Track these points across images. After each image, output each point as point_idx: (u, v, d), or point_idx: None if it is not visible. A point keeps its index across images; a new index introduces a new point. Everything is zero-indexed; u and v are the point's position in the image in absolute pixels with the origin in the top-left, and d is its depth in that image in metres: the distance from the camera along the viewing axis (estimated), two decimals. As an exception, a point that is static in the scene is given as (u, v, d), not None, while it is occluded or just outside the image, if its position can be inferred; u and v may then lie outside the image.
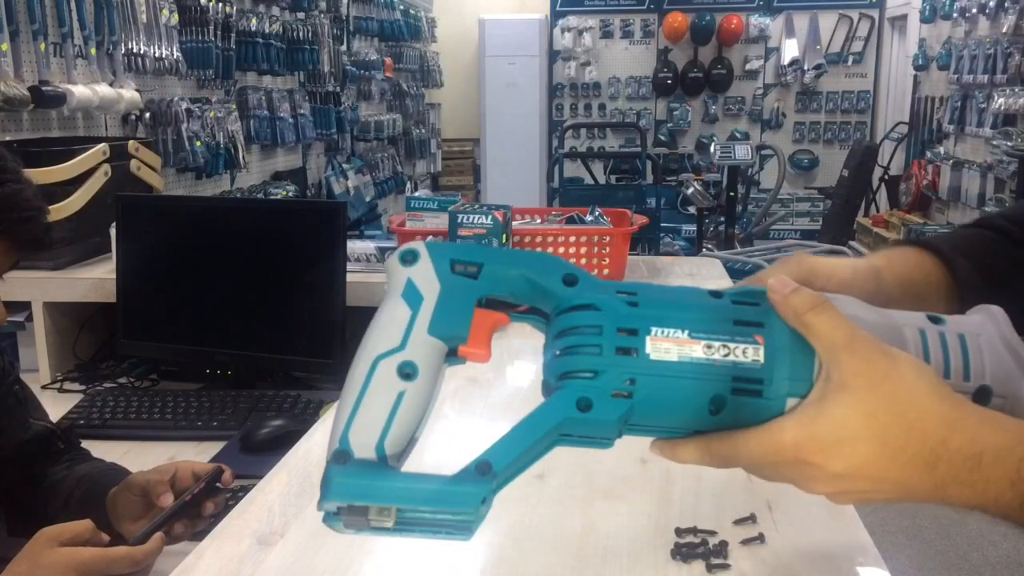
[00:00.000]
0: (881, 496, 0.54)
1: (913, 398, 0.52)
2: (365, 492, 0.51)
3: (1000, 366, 0.57)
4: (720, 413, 0.55)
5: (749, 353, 0.54)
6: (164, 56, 3.50)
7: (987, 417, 0.52)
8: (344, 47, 5.97)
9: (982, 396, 0.57)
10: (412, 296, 0.55)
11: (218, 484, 1.17)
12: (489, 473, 0.51)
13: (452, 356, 0.56)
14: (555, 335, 0.56)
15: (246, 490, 1.14)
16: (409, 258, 0.57)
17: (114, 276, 1.89)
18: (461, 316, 0.56)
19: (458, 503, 0.51)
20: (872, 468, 0.52)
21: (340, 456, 0.52)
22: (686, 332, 0.54)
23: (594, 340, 0.54)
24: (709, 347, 0.54)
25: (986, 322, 0.58)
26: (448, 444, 1.24)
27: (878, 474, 0.52)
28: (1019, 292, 0.73)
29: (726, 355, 0.54)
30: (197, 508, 1.14)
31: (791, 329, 0.55)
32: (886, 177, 7.72)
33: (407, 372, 0.54)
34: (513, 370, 1.54)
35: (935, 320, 0.59)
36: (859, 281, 0.68)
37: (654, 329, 0.54)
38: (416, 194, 3.45)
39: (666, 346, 0.54)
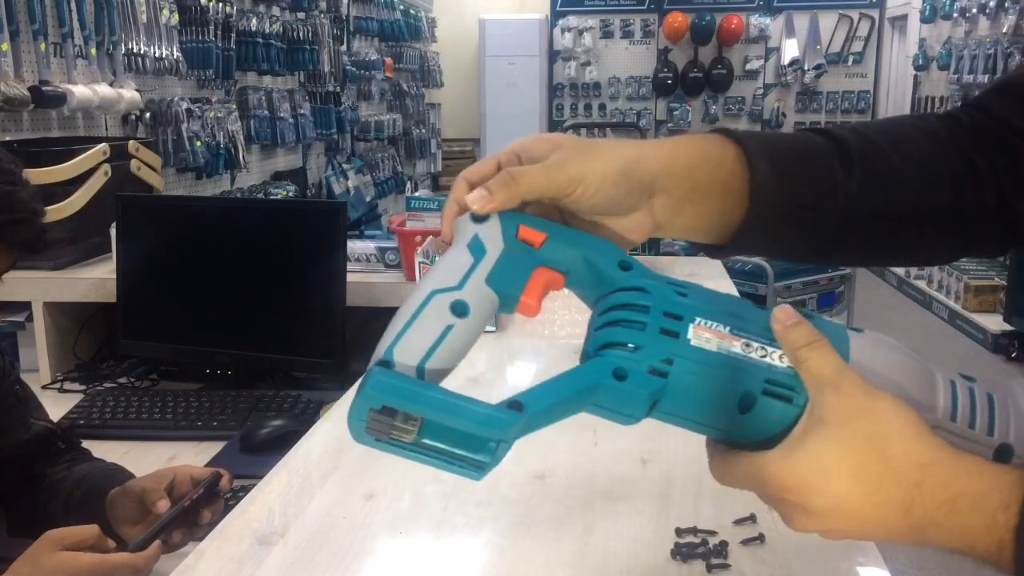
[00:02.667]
0: (861, 534, 0.53)
1: (890, 437, 0.52)
2: (404, 394, 0.51)
3: None
4: (748, 412, 0.56)
5: (785, 359, 0.57)
6: (164, 56, 3.50)
7: (965, 462, 0.52)
8: (344, 47, 5.97)
9: (1004, 453, 0.58)
10: (477, 248, 0.59)
11: (216, 489, 1.17)
12: (521, 412, 0.52)
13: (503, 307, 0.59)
14: (602, 311, 0.59)
15: (246, 490, 1.14)
16: (480, 217, 0.60)
17: (114, 276, 1.89)
18: (518, 277, 0.59)
19: (490, 425, 0.51)
20: (849, 504, 0.52)
21: (383, 363, 0.53)
22: (728, 328, 0.57)
23: (639, 317, 0.57)
24: (748, 345, 0.56)
25: (1017, 389, 0.60)
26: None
27: (855, 511, 0.52)
28: (820, 214, 0.67)
29: (763, 356, 0.56)
30: (195, 515, 1.14)
31: None
32: (886, 177, 7.72)
33: (459, 310, 0.56)
34: (513, 370, 1.54)
35: (967, 377, 0.60)
36: (608, 182, 0.60)
37: (698, 319, 0.57)
38: (416, 194, 3.45)
39: (707, 336, 0.56)
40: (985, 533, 0.49)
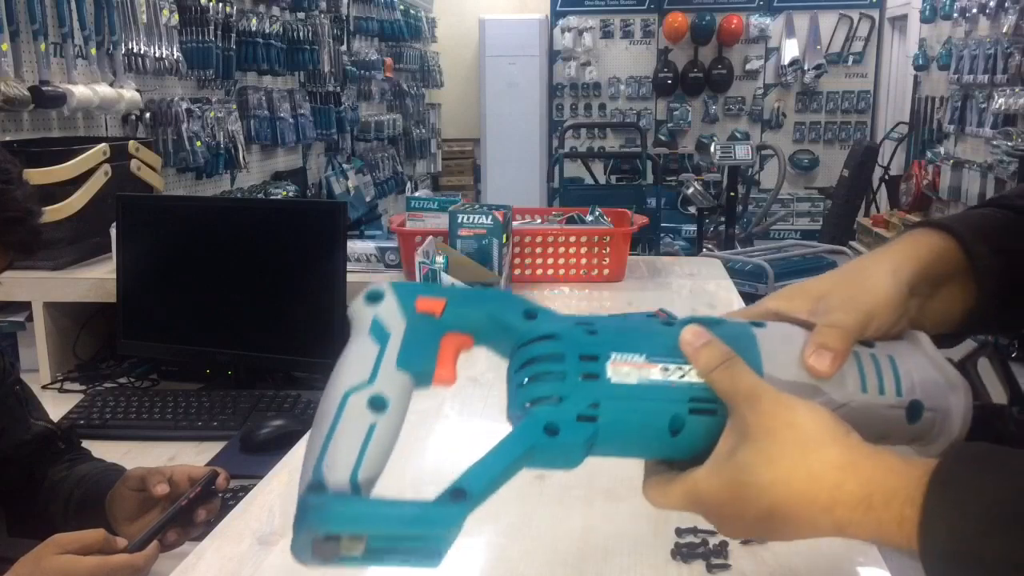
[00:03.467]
0: (794, 535, 0.56)
1: (811, 444, 0.54)
2: (347, 519, 0.51)
3: (929, 382, 0.61)
4: (680, 434, 0.57)
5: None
6: (164, 56, 3.50)
7: (881, 460, 0.54)
8: (344, 47, 5.97)
9: (915, 410, 0.60)
10: (379, 333, 0.57)
11: (213, 487, 1.17)
12: (464, 499, 0.53)
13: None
14: (518, 367, 0.58)
15: (246, 490, 1.14)
16: (374, 298, 0.59)
17: (114, 276, 1.89)
18: (428, 352, 0.58)
19: (437, 523, 0.52)
20: (780, 511, 0.55)
21: (315, 487, 0.52)
22: (644, 356, 0.57)
23: (557, 367, 0.56)
24: (665, 369, 0.57)
25: (911, 345, 0.63)
26: (448, 444, 1.24)
27: (786, 516, 0.55)
28: None
29: (681, 376, 0.57)
30: (191, 514, 1.14)
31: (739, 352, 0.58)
32: (886, 177, 7.73)
33: (378, 405, 0.55)
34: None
35: (866, 344, 0.62)
36: (900, 300, 0.65)
37: (613, 354, 0.57)
38: (416, 194, 3.45)
39: (626, 370, 0.56)
40: (896, 527, 0.52)
